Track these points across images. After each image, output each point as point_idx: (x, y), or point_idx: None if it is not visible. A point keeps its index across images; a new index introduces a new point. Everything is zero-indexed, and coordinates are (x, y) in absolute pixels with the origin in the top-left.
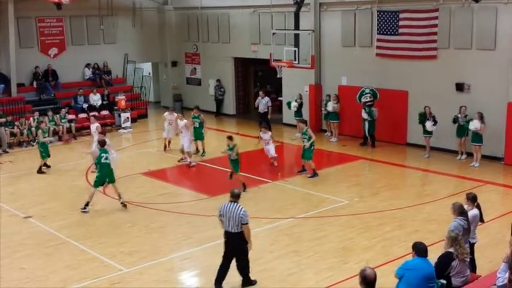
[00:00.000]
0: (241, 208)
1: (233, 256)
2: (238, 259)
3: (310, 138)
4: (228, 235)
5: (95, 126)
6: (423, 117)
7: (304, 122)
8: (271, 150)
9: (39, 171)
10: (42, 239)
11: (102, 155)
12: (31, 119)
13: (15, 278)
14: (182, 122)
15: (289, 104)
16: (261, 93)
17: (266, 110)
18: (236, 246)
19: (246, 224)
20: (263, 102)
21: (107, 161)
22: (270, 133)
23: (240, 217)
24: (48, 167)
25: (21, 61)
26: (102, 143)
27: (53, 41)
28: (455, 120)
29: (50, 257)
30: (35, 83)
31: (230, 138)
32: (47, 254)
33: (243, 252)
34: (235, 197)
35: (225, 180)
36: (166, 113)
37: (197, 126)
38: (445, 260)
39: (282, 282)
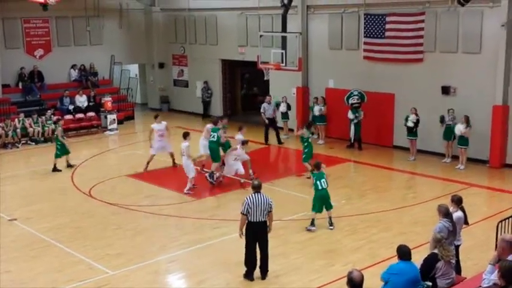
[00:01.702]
0: (268, 196)
1: (256, 244)
2: (264, 247)
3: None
4: (255, 225)
5: (164, 124)
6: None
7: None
8: (239, 167)
9: (55, 169)
10: (27, 242)
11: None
12: (16, 120)
13: (1, 280)
14: (240, 136)
15: (277, 104)
16: (268, 98)
17: (274, 116)
18: (263, 234)
19: (272, 211)
20: (272, 108)
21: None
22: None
23: (270, 204)
24: (59, 170)
25: (7, 62)
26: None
27: (39, 42)
28: (442, 119)
29: (35, 260)
30: (20, 84)
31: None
32: (32, 256)
33: (267, 239)
34: (259, 188)
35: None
36: (208, 125)
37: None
38: (430, 261)
39: (269, 284)
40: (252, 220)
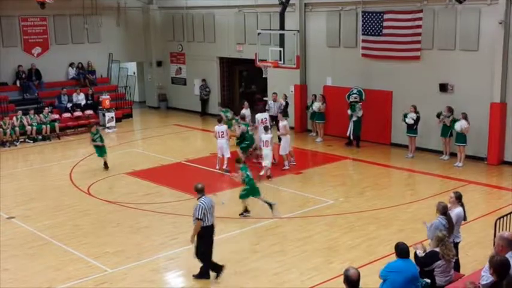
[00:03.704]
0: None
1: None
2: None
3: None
4: (210, 229)
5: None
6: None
7: (243, 117)
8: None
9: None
10: (25, 240)
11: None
12: (14, 118)
13: None
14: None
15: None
16: (273, 96)
17: (277, 114)
18: (213, 236)
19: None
20: (277, 106)
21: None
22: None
23: (213, 205)
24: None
25: (4, 60)
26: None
27: (37, 40)
28: (438, 115)
29: (34, 258)
30: (18, 82)
31: None
32: (30, 254)
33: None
34: (203, 190)
35: (210, 180)
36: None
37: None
38: (431, 258)
39: (267, 282)
40: (208, 224)
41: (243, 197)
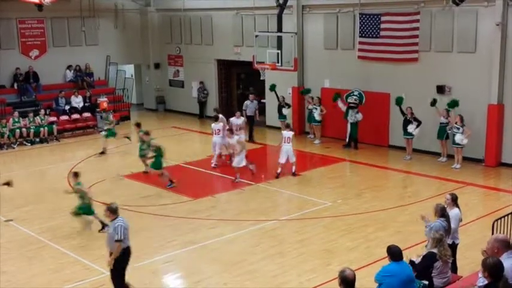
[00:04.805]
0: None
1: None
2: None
3: (156, 149)
4: (129, 251)
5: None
6: (400, 101)
7: (147, 133)
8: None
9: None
10: (23, 242)
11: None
12: (11, 120)
13: None
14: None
15: (273, 86)
16: (251, 96)
17: (253, 114)
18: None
19: None
20: (254, 106)
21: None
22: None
23: (128, 225)
24: None
25: (2, 63)
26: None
27: (34, 42)
28: (433, 103)
29: (31, 260)
30: (15, 85)
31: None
32: (28, 257)
33: None
34: (118, 211)
35: (208, 182)
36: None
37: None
38: (429, 260)
39: (266, 284)
40: (127, 245)
41: (76, 214)
